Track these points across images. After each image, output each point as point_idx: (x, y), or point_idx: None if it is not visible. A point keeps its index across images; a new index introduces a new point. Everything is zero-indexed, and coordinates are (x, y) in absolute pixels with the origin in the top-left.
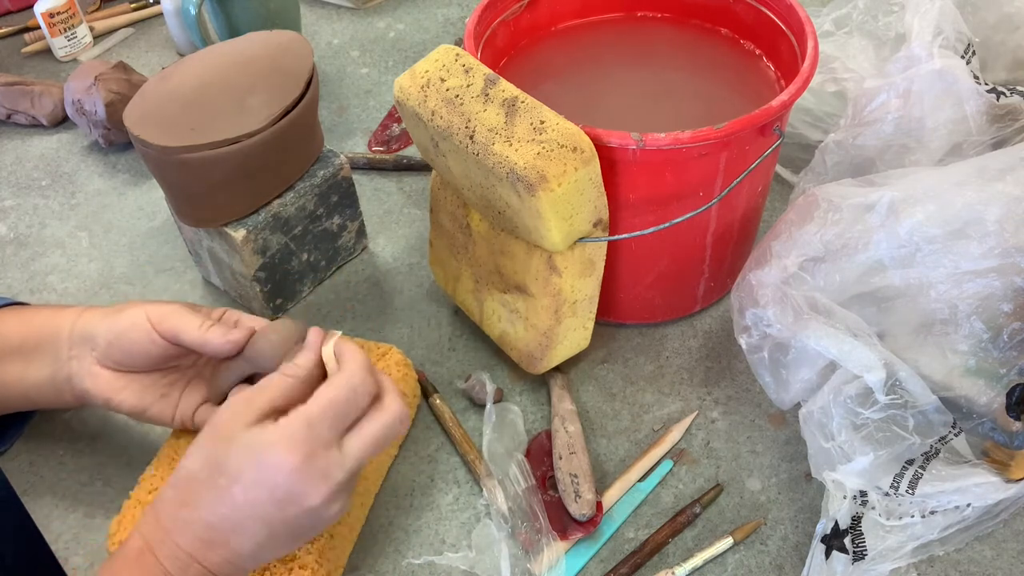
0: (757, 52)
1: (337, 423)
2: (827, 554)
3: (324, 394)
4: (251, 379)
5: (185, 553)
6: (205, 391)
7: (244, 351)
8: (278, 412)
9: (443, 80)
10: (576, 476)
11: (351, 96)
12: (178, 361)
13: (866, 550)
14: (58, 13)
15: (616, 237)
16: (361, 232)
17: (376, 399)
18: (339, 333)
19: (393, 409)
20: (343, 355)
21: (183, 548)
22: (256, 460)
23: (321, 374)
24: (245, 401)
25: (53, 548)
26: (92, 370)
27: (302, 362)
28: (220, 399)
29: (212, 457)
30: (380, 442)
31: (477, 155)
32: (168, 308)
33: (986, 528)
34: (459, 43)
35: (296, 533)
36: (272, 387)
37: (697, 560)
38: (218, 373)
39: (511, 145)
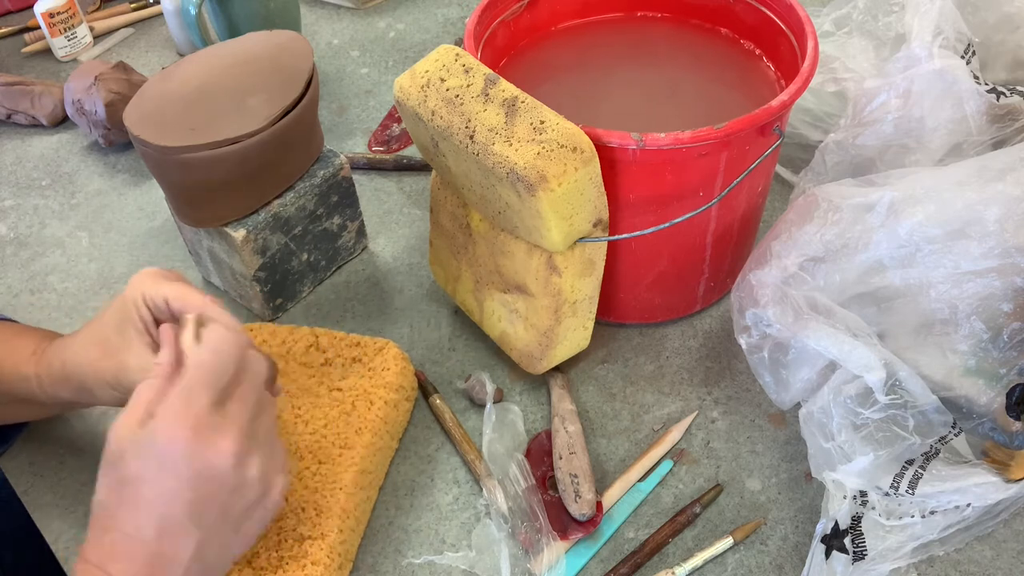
0: (757, 52)
1: (210, 388)
2: (827, 554)
3: (189, 367)
4: None
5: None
6: None
7: None
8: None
9: (443, 80)
10: (576, 476)
11: (351, 96)
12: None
13: (866, 550)
14: (58, 13)
15: (616, 237)
16: (361, 232)
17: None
18: (191, 317)
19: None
20: (204, 333)
21: (104, 570)
22: (149, 452)
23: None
24: (124, 415)
25: (53, 548)
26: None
27: (163, 359)
28: None
29: (111, 476)
30: (256, 395)
31: (477, 155)
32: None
33: (986, 528)
34: (459, 43)
35: (230, 514)
36: (143, 392)
37: (697, 560)
38: None
39: (511, 145)
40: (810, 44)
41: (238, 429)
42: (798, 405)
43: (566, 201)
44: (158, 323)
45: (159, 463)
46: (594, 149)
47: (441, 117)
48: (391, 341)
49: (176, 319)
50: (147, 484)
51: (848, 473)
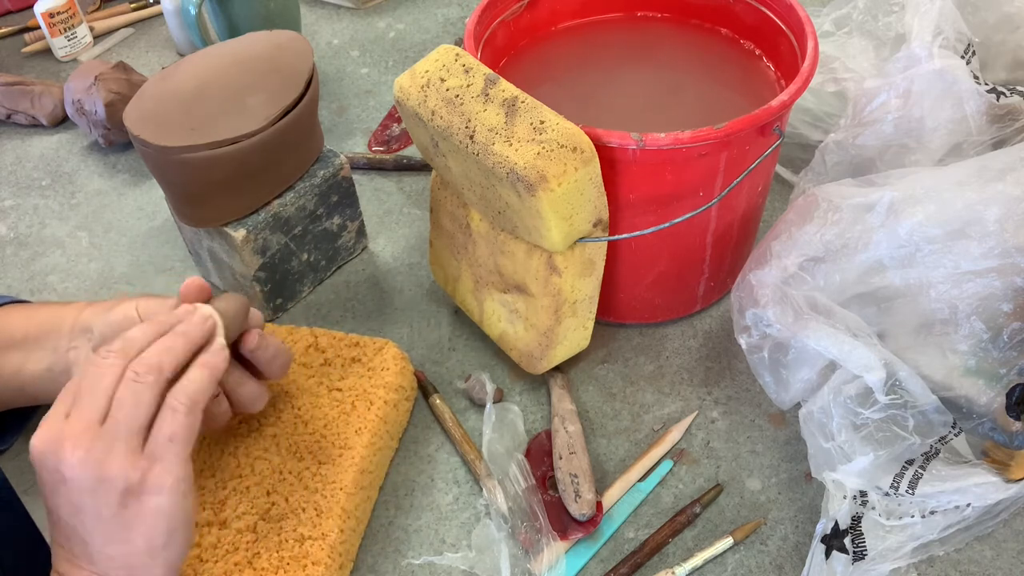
0: (757, 52)
1: (64, 401)
2: (827, 554)
3: (66, 387)
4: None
5: None
6: None
7: None
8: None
9: (443, 80)
10: (576, 476)
11: (351, 96)
12: None
13: (866, 550)
14: (58, 13)
15: (616, 237)
16: (361, 232)
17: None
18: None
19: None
20: None
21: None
22: (53, 461)
23: None
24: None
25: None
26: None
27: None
28: None
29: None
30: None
31: (477, 155)
32: (156, 304)
33: (986, 528)
34: (459, 43)
35: (103, 514)
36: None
37: (697, 560)
38: None
39: (511, 145)
40: (810, 44)
41: (78, 432)
42: (798, 405)
43: (566, 201)
44: None
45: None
46: (594, 149)
47: (441, 117)
48: (390, 341)
49: None
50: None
51: (848, 473)
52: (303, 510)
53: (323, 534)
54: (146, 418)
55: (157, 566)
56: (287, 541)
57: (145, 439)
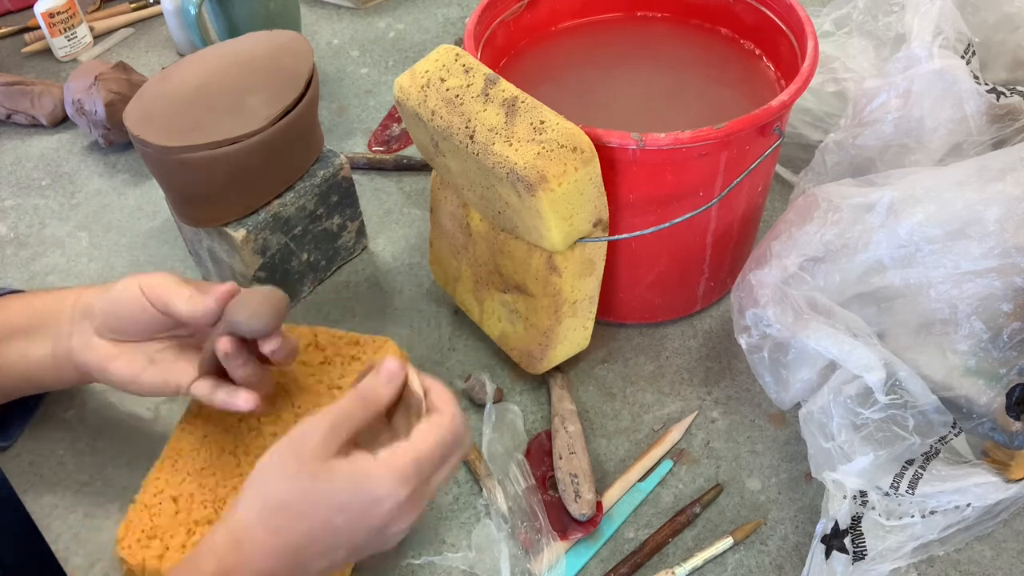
0: (757, 52)
1: (438, 463)
2: (827, 554)
3: (431, 436)
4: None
5: None
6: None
7: (223, 317)
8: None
9: (443, 80)
10: (576, 476)
11: (351, 96)
12: (174, 331)
13: (866, 550)
14: (58, 13)
15: (616, 237)
16: (361, 232)
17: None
18: (410, 366)
19: (466, 443)
20: (435, 394)
21: (263, 574)
22: (363, 491)
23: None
24: (331, 429)
25: (53, 548)
26: (91, 342)
27: (385, 392)
28: (204, 369)
29: (306, 486)
30: (454, 471)
31: (477, 155)
32: (159, 279)
33: (986, 528)
34: (459, 43)
35: (362, 552)
36: (354, 416)
37: (697, 560)
38: (206, 344)
39: (511, 145)
40: (810, 44)
41: (425, 503)
42: (798, 405)
43: (566, 201)
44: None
45: (364, 505)
46: (594, 149)
47: (441, 117)
48: (390, 339)
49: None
50: (344, 515)
51: (848, 473)
52: None
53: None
54: None
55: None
56: None
57: None
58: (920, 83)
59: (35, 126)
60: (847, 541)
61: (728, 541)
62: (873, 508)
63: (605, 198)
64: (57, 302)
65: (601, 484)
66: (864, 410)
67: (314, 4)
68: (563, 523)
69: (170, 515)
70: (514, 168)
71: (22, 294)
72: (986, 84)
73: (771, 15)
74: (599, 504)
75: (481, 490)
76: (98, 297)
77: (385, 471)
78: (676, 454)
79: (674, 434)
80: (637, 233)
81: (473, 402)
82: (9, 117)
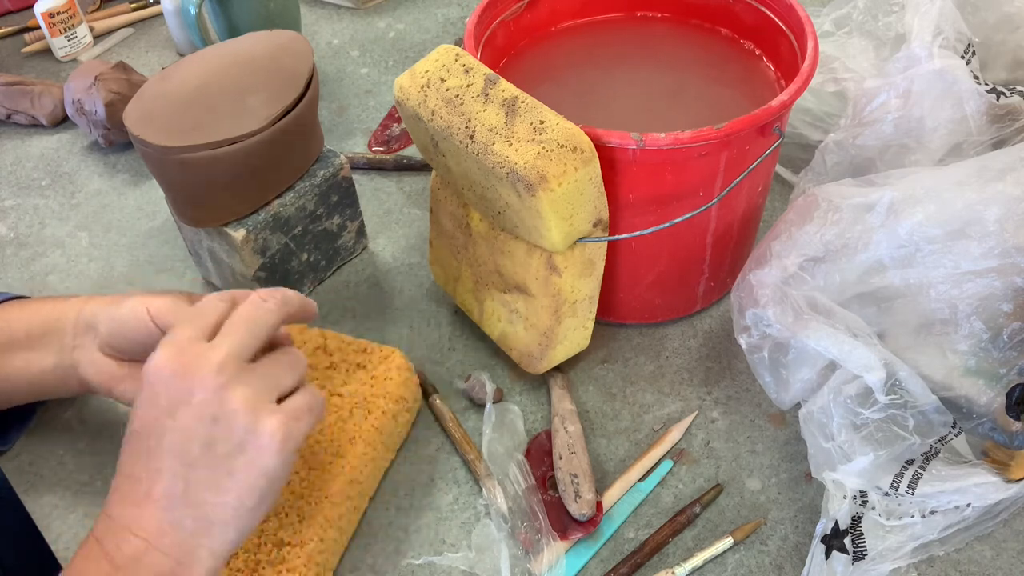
0: (757, 52)
1: (200, 325)
2: (827, 554)
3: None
4: None
5: (118, 525)
6: None
7: None
8: None
9: (443, 80)
10: (576, 476)
11: (351, 96)
12: None
13: (866, 550)
14: (58, 13)
15: (616, 237)
16: (361, 232)
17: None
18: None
19: (253, 298)
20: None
21: (114, 519)
22: (144, 382)
23: None
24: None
25: (53, 548)
26: (95, 359)
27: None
28: None
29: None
30: (250, 324)
31: (477, 155)
32: (168, 304)
33: (986, 528)
34: (459, 43)
35: (215, 450)
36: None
37: (697, 560)
38: None
39: (511, 145)
40: (810, 44)
41: (222, 358)
42: (798, 405)
43: (566, 201)
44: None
45: (146, 392)
46: (594, 149)
47: (441, 117)
48: (397, 350)
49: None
50: (138, 411)
51: (848, 473)
52: (286, 514)
53: (301, 541)
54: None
55: (234, 528)
56: (266, 544)
57: (279, 402)
58: (920, 83)
59: (35, 126)
60: (847, 541)
61: (728, 541)
62: (873, 508)
63: (605, 198)
64: (60, 312)
65: (601, 484)
66: (864, 410)
67: (314, 4)
68: (563, 523)
69: None
70: (514, 168)
71: (24, 301)
72: (986, 84)
73: (771, 15)
74: (599, 504)
75: (481, 490)
76: (103, 311)
77: (155, 353)
78: (676, 454)
79: (674, 434)
80: (637, 233)
81: (473, 402)
82: (9, 117)
